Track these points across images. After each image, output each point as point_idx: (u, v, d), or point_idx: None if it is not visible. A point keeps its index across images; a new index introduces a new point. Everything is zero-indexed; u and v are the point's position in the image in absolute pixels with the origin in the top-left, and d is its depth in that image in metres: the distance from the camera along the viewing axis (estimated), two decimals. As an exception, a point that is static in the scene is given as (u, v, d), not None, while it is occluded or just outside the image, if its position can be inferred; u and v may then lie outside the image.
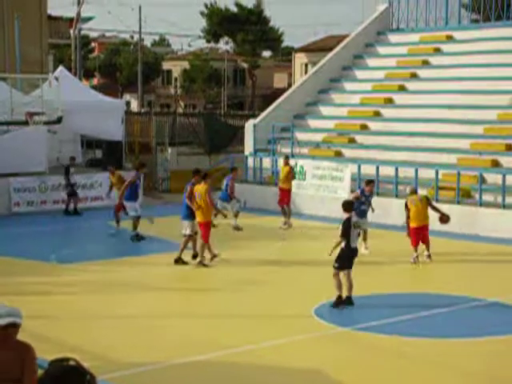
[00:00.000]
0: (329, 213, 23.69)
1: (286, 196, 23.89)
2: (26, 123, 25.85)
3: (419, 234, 18.55)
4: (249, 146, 30.30)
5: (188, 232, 18.03)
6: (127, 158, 30.26)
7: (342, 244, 14.15)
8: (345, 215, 14.31)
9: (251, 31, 75.24)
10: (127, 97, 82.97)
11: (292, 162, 27.25)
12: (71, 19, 45.38)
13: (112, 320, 13.62)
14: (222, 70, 79.83)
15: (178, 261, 17.89)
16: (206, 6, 78.60)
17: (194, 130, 37.21)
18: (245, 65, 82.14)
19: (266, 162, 28.84)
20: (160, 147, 32.82)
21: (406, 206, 18.85)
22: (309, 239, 21.68)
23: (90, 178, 27.10)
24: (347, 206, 14.47)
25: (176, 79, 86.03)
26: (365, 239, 19.37)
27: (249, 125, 30.88)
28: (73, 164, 26.34)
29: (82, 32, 52.43)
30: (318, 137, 29.47)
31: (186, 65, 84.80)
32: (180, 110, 58.65)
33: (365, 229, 19.28)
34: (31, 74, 30.73)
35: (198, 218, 17.77)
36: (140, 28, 67.14)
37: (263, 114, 31.56)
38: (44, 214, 24.67)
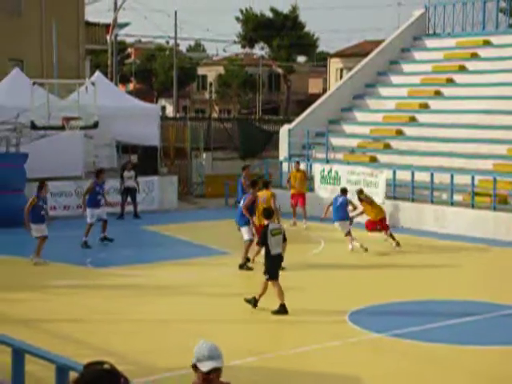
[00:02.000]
0: (363, 219, 23.53)
1: (302, 199, 24.93)
2: (62, 128, 26.07)
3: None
4: (283, 151, 30.30)
5: (247, 237, 18.24)
6: (162, 163, 30.40)
7: (262, 251, 14.30)
8: (264, 222, 14.57)
9: (286, 36, 75.21)
10: (162, 102, 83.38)
11: (327, 167, 27.27)
12: (108, 25, 45.74)
13: (147, 324, 13.68)
14: (257, 75, 79.91)
15: (243, 266, 18.03)
16: (241, 11, 78.75)
17: (229, 135, 37.30)
18: (280, 70, 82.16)
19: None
20: (195, 152, 32.93)
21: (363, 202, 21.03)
22: (343, 244, 21.61)
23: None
24: (266, 213, 14.73)
25: (211, 84, 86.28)
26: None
27: (283, 130, 30.88)
28: (129, 168, 26.18)
29: (119, 38, 52.83)
30: (353, 142, 29.38)
31: (221, 70, 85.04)
32: (215, 115, 58.79)
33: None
34: (68, 80, 30.99)
35: (257, 221, 18.00)
36: (176, 33, 67.51)
37: (298, 120, 31.55)
38: (80, 218, 24.83)
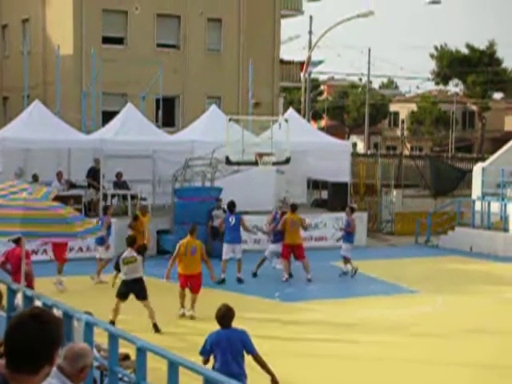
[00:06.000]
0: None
1: None
2: (255, 163, 26.72)
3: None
4: (476, 190, 29.52)
5: None
6: (352, 200, 30.44)
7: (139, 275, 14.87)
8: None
9: (482, 73, 73.53)
10: (354, 138, 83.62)
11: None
12: (302, 63, 46.57)
13: (333, 359, 13.67)
14: (451, 112, 78.53)
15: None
16: (435, 48, 77.91)
17: (420, 173, 36.84)
18: (474, 107, 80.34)
19: (495, 207, 27.93)
20: (385, 189, 32.75)
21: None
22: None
23: (315, 218, 27.48)
24: (129, 240, 15.33)
25: (403, 121, 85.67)
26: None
27: (477, 168, 30.13)
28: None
29: (312, 75, 53.67)
30: (552, 182, 28.20)
31: (413, 107, 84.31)
32: (406, 153, 58.24)
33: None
34: (262, 116, 31.79)
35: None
36: (369, 70, 67.78)
37: (493, 158, 30.69)
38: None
